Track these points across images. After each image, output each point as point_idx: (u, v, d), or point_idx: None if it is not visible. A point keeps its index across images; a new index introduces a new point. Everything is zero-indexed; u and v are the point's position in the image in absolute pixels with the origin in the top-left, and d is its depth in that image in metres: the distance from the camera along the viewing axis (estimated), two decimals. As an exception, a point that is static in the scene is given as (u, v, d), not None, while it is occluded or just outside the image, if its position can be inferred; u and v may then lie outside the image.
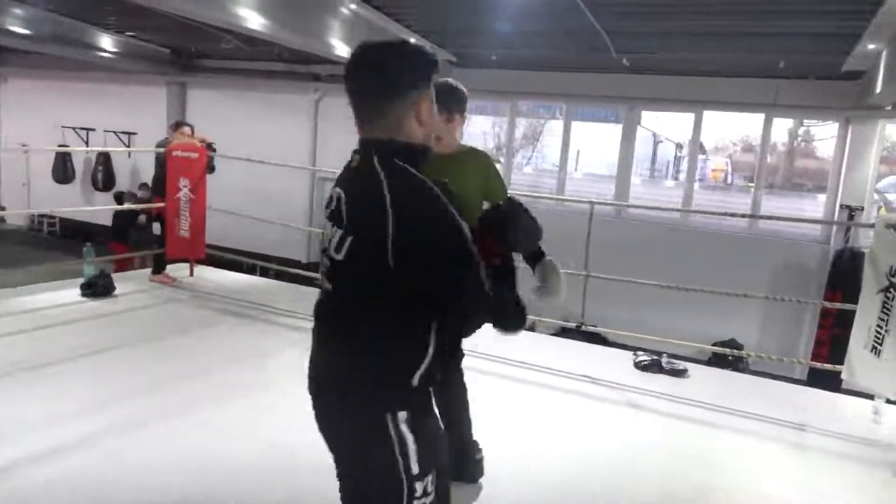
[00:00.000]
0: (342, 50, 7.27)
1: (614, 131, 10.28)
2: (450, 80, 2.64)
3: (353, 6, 7.03)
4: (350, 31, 7.30)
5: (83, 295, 5.19)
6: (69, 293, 5.22)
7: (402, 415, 1.44)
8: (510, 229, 1.66)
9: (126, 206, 10.53)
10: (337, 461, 1.57)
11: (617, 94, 9.46)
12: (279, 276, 7.11)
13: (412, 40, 6.49)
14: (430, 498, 1.49)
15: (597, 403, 3.91)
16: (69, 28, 10.29)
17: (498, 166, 2.76)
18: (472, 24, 7.96)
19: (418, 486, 1.46)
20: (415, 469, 1.44)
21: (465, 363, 2.74)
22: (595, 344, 5.31)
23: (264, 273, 7.96)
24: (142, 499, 2.58)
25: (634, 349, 4.78)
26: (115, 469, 2.75)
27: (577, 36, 7.71)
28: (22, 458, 2.74)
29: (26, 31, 9.66)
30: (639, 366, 4.50)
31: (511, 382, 4.11)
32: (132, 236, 10.01)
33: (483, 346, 4.51)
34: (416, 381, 1.45)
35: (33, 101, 14.86)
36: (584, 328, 5.06)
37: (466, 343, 2.54)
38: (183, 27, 9.30)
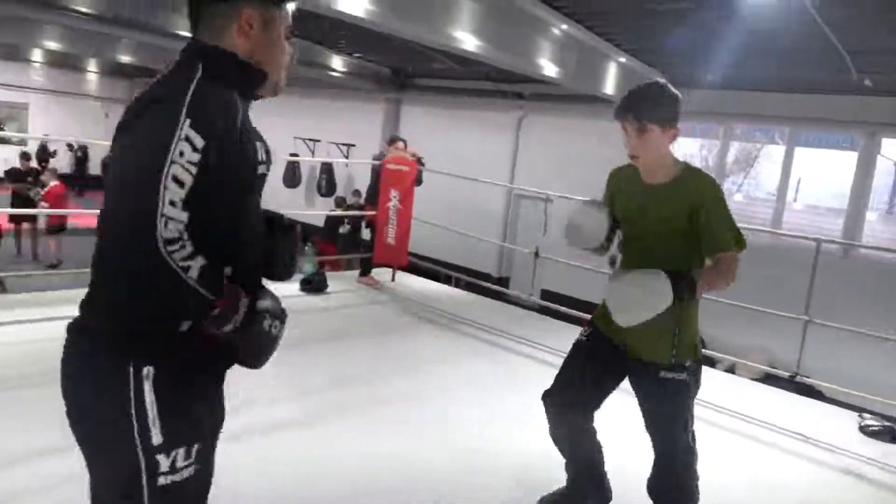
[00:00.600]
0: (551, 70, 7.33)
1: (845, 159, 9.17)
2: (658, 80, 2.33)
3: (564, 26, 7.05)
4: (560, 51, 7.34)
5: (301, 290, 5.76)
6: (290, 287, 5.82)
7: (149, 369, 1.21)
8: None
9: (337, 212, 11.57)
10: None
11: (853, 119, 8.42)
12: (469, 287, 7.33)
13: (622, 60, 6.33)
14: (183, 476, 1.26)
15: (811, 466, 3.48)
16: (308, 50, 11.59)
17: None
18: (689, 43, 7.58)
19: (162, 461, 1.23)
20: (156, 439, 1.22)
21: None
22: (809, 398, 4.74)
23: (456, 283, 8.25)
24: (338, 485, 2.77)
25: (860, 410, 4.20)
26: (320, 451, 3.00)
27: (812, 55, 7.01)
28: (241, 431, 3.09)
29: (274, 54, 11.04)
30: (865, 430, 3.93)
31: (707, 426, 3.81)
32: (339, 239, 10.98)
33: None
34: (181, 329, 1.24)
35: (271, 115, 16.91)
36: (798, 379, 4.54)
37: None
38: (404, 49, 10.03)
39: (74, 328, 1.31)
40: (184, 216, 1.16)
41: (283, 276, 1.55)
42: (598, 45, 7.75)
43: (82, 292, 1.33)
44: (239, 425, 3.08)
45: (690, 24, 6.73)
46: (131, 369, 1.22)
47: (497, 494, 2.78)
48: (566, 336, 5.27)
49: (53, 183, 10.87)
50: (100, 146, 17.92)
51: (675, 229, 2.16)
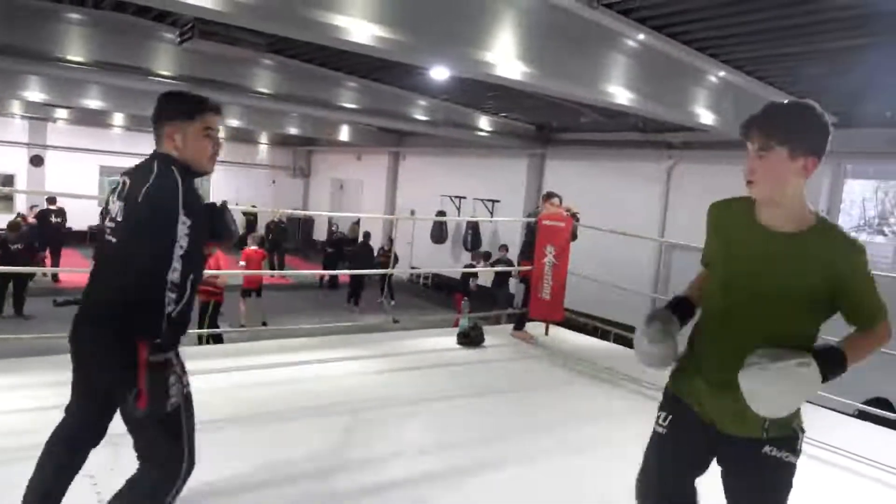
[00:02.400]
0: (707, 118, 7.13)
1: None
2: (808, 102, 1.83)
3: (721, 73, 6.87)
4: (717, 99, 7.13)
5: (459, 343, 5.92)
6: (447, 340, 6.00)
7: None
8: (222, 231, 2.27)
9: (479, 266, 11.81)
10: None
11: None
12: (617, 339, 7.11)
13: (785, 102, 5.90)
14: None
15: None
16: (456, 113, 12.17)
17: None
18: (860, 81, 7.07)
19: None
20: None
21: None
22: None
23: (605, 336, 8.03)
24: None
25: None
26: (483, 499, 3.04)
27: None
28: (397, 481, 3.20)
29: (426, 118, 11.72)
30: None
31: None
32: (497, 295, 11.16)
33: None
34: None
35: (421, 175, 17.82)
36: None
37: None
38: (549, 105, 10.23)
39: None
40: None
41: (226, 236, 2.32)
42: (757, 89, 7.44)
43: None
44: (388, 476, 3.21)
45: (861, 60, 6.30)
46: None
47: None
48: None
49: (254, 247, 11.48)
50: (266, 210, 19.92)
51: (802, 296, 1.74)
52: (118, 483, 2.86)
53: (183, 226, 1.95)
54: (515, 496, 3.14)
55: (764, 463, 1.82)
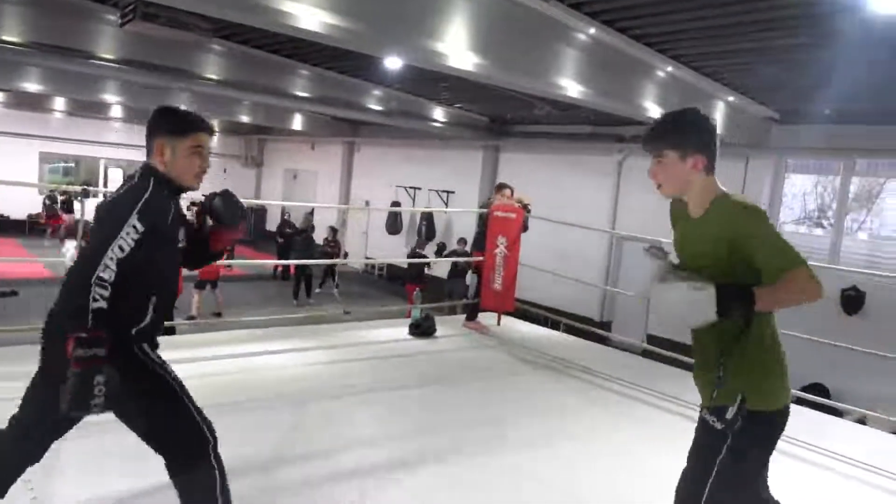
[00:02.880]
0: (655, 112, 7.26)
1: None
2: (689, 108, 2.12)
3: (669, 69, 7.01)
4: (664, 93, 7.27)
5: (410, 334, 5.91)
6: (400, 331, 5.99)
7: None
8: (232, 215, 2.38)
9: (431, 258, 11.86)
10: None
11: None
12: (568, 330, 7.25)
13: (730, 98, 6.23)
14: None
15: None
16: (411, 103, 12.10)
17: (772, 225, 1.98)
18: (802, 79, 7.32)
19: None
20: None
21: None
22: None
23: (555, 326, 8.16)
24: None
25: None
26: (431, 493, 3.05)
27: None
28: (344, 472, 3.19)
29: (380, 108, 11.63)
30: None
31: (841, 479, 3.54)
32: (446, 286, 11.20)
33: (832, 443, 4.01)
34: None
35: (376, 165, 17.69)
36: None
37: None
38: (503, 97, 10.27)
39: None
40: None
41: (228, 219, 2.40)
42: (704, 84, 7.62)
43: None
44: (335, 468, 3.20)
45: (805, 59, 6.52)
46: None
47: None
48: (676, 381, 5.12)
49: None
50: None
51: (724, 267, 1.94)
52: (54, 485, 2.77)
53: (131, 229, 1.97)
54: (467, 488, 3.15)
55: (701, 427, 2.05)
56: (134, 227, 1.98)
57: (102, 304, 1.91)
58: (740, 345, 1.95)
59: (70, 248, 7.71)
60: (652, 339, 5.59)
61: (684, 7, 5.52)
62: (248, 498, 2.81)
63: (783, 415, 2.01)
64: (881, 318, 8.36)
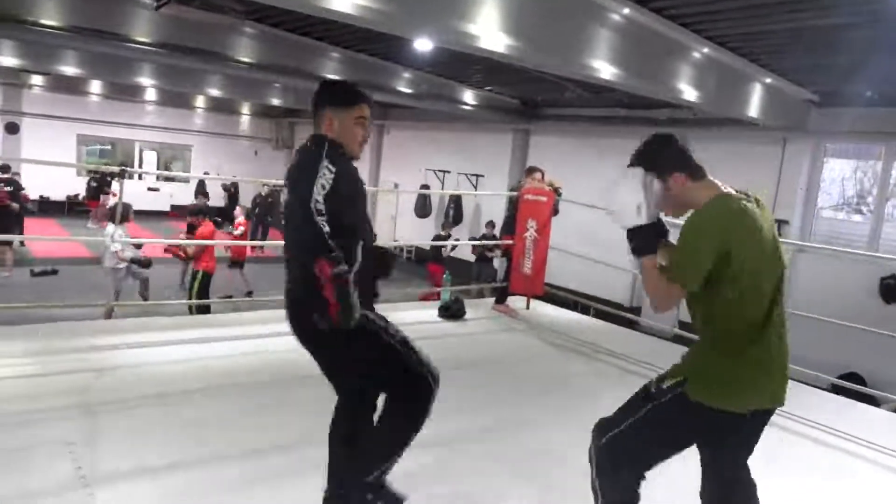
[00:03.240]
0: (690, 94, 7.12)
1: None
2: (661, 133, 2.23)
3: (705, 50, 6.85)
4: (700, 75, 7.12)
5: (440, 316, 5.94)
6: (429, 313, 6.03)
7: None
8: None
9: (453, 242, 11.89)
10: None
11: None
12: (598, 315, 7.21)
13: (768, 80, 6.12)
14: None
15: None
16: (442, 86, 12.05)
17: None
18: (842, 60, 7.10)
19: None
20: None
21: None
22: None
23: (584, 311, 8.12)
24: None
25: None
26: (452, 468, 3.08)
27: None
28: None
29: (410, 90, 11.60)
30: None
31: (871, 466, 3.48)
32: (474, 269, 11.22)
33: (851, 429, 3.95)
34: None
35: (405, 148, 17.70)
36: None
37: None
38: (534, 79, 10.17)
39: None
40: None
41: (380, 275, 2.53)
42: (741, 66, 7.44)
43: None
44: None
45: (846, 39, 6.32)
46: None
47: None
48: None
49: (241, 219, 11.92)
50: (250, 183, 19.72)
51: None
52: (97, 452, 2.87)
53: (325, 170, 2.16)
54: (495, 467, 3.18)
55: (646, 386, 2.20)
56: (327, 167, 2.16)
57: (328, 228, 2.07)
58: (711, 336, 2.05)
59: (112, 231, 7.94)
60: (684, 325, 5.52)
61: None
62: (279, 476, 2.87)
63: (732, 419, 1.98)
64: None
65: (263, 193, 17.61)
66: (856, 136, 9.31)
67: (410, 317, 5.93)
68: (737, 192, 2.11)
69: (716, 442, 2.10)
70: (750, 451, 2.13)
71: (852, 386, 5.31)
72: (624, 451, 2.08)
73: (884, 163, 9.27)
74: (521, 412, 3.93)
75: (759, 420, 2.06)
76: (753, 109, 8.23)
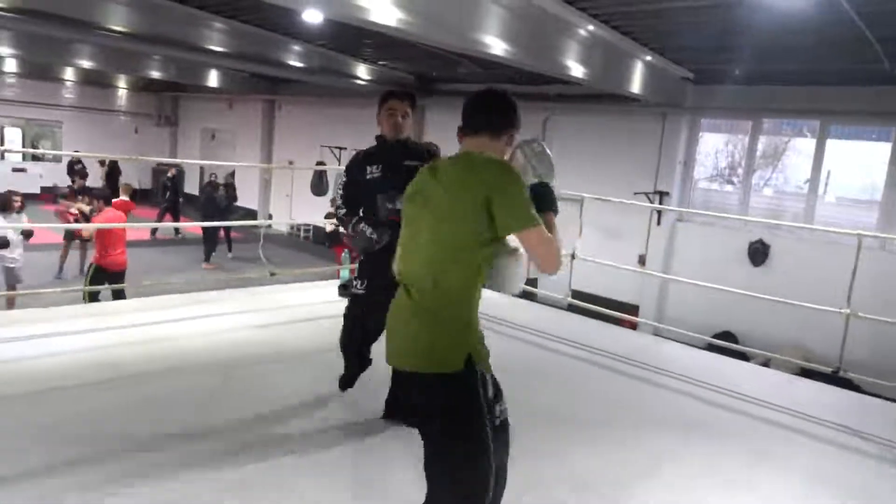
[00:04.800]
0: (577, 71, 7.37)
1: (877, 150, 9.07)
2: (497, 91, 2.20)
3: (590, 27, 7.09)
4: (587, 52, 7.37)
5: (339, 294, 5.87)
6: (330, 292, 5.94)
7: None
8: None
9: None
10: None
11: (887, 110, 8.32)
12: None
13: (648, 58, 6.61)
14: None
15: (858, 458, 3.48)
16: (333, 60, 11.76)
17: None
18: (716, 40, 7.57)
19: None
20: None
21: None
22: (849, 391, 4.72)
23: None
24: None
25: (905, 403, 4.17)
26: (376, 451, 3.09)
27: (843, 48, 6.97)
28: (281, 434, 3.19)
29: (300, 64, 11.23)
30: (912, 422, 3.90)
31: (747, 419, 3.83)
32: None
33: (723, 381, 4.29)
34: None
35: (299, 124, 17.19)
36: (840, 374, 4.52)
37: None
38: (428, 55, 10.14)
39: None
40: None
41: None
42: (624, 44, 7.77)
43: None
44: (278, 430, 3.20)
45: (714, 19, 6.74)
46: None
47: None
48: (600, 333, 5.35)
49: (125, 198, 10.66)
50: (130, 161, 18.46)
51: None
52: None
53: (342, 175, 3.48)
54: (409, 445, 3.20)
55: None
56: (342, 172, 3.52)
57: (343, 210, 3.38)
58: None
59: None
60: (578, 295, 5.79)
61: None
62: (172, 467, 2.76)
63: None
64: (785, 269, 8.95)
65: (170, 174, 16.15)
66: (727, 112, 10.01)
67: (309, 296, 5.83)
68: None
69: None
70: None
71: (725, 344, 5.76)
72: None
73: (750, 137, 10.02)
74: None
75: None
76: (636, 86, 8.63)
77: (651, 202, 10.24)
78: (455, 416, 1.79)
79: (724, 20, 6.67)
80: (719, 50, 8.04)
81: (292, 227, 17.17)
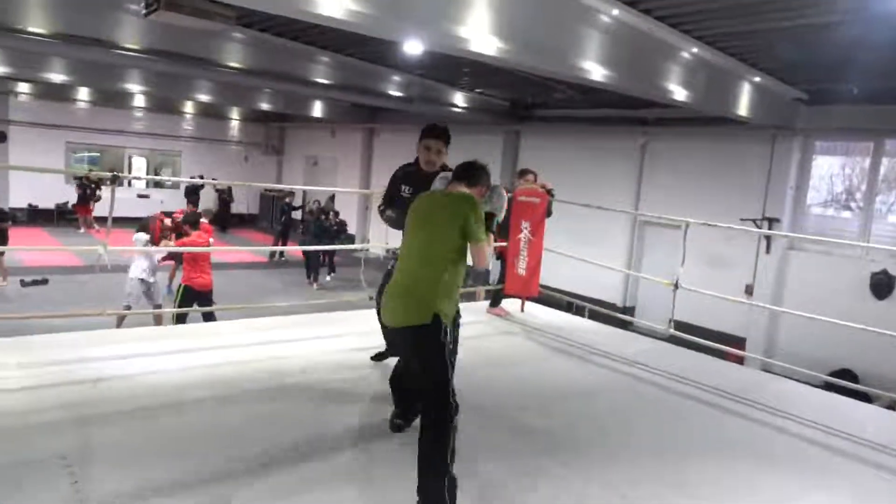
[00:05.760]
0: (680, 94, 7.16)
1: None
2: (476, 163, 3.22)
3: (694, 50, 6.89)
4: (691, 74, 7.16)
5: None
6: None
7: None
8: None
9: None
10: None
11: None
12: (592, 316, 7.23)
13: (756, 79, 6.49)
14: None
15: None
16: (431, 89, 12.06)
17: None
18: (832, 58, 7.15)
19: None
20: None
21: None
22: None
23: (579, 312, 8.13)
24: None
25: None
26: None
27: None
28: (378, 456, 3.22)
29: (399, 94, 11.60)
30: None
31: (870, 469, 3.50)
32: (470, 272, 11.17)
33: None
34: None
35: (397, 151, 17.65)
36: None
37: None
38: (525, 81, 10.19)
39: None
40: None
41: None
42: (730, 65, 7.49)
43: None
44: (373, 454, 3.23)
45: (831, 36, 6.37)
46: None
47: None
48: (705, 367, 5.09)
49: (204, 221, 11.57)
50: (242, 187, 19.61)
51: None
52: (93, 467, 2.83)
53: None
54: (513, 477, 3.17)
55: None
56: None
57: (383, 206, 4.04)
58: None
59: (141, 238, 7.97)
60: (679, 326, 5.55)
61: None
62: (283, 488, 2.85)
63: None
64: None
65: (288, 200, 17.02)
66: (845, 133, 9.40)
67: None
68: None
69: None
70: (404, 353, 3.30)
71: (845, 383, 5.34)
72: None
73: (872, 159, 9.34)
74: (522, 416, 3.92)
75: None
76: (743, 108, 8.28)
77: (759, 228, 9.72)
78: (429, 345, 2.84)
79: (842, 37, 6.30)
80: (836, 68, 7.59)
81: (388, 251, 17.53)
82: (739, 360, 7.45)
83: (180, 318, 7.36)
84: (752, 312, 9.61)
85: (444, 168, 3.81)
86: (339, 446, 3.27)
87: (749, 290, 9.88)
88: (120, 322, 7.32)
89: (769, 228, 9.76)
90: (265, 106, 15.60)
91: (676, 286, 5.34)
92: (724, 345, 5.89)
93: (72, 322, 5.86)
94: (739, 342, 9.27)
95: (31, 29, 7.61)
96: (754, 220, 9.85)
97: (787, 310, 8.04)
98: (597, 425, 3.88)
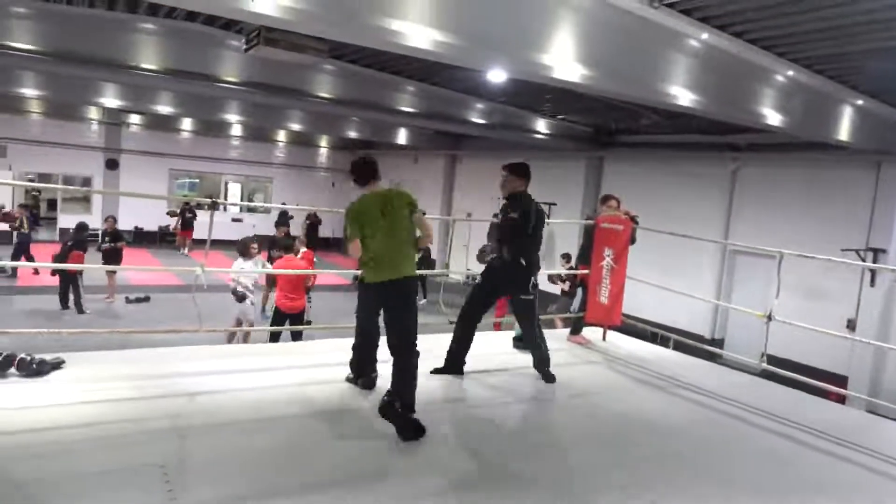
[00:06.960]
0: (774, 119, 6.89)
1: None
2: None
3: (789, 73, 6.63)
4: (786, 98, 6.88)
5: (514, 346, 5.89)
6: (505, 344, 5.99)
7: None
8: None
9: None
10: None
11: None
12: (677, 346, 6.96)
13: (859, 102, 6.26)
14: None
15: None
16: (513, 116, 12.14)
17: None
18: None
19: None
20: None
21: None
22: None
23: (664, 343, 7.85)
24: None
25: None
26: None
27: None
28: (441, 487, 3.20)
29: (482, 121, 11.74)
30: None
31: None
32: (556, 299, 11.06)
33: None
34: None
35: (478, 178, 17.84)
36: None
37: None
38: (609, 108, 10.10)
39: None
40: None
41: None
42: (829, 88, 7.14)
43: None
44: (419, 487, 3.22)
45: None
46: None
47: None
48: (803, 405, 4.79)
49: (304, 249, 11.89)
50: (329, 213, 20.29)
51: None
52: (188, 476, 2.99)
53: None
54: None
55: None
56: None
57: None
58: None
59: (241, 264, 8.39)
60: (772, 360, 5.26)
61: (801, 8, 5.23)
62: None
63: (369, 287, 4.06)
64: None
65: None
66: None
67: (485, 346, 5.91)
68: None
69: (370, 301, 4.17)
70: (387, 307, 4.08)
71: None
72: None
73: None
74: (600, 451, 3.82)
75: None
76: (843, 132, 7.86)
77: (863, 260, 9.12)
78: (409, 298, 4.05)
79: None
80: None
81: (468, 277, 17.62)
82: (840, 399, 6.97)
83: (274, 337, 7.74)
84: (855, 349, 8.99)
85: (511, 200, 4.78)
86: (425, 464, 3.30)
87: (851, 325, 9.26)
88: (231, 338, 7.93)
89: (874, 260, 9.14)
90: (353, 134, 16.17)
91: (770, 318, 5.08)
92: (823, 382, 5.53)
93: (172, 337, 6.21)
94: (840, 380, 8.67)
95: (143, 65, 8.27)
96: (857, 251, 9.25)
97: (894, 346, 7.46)
98: (689, 462, 3.72)
